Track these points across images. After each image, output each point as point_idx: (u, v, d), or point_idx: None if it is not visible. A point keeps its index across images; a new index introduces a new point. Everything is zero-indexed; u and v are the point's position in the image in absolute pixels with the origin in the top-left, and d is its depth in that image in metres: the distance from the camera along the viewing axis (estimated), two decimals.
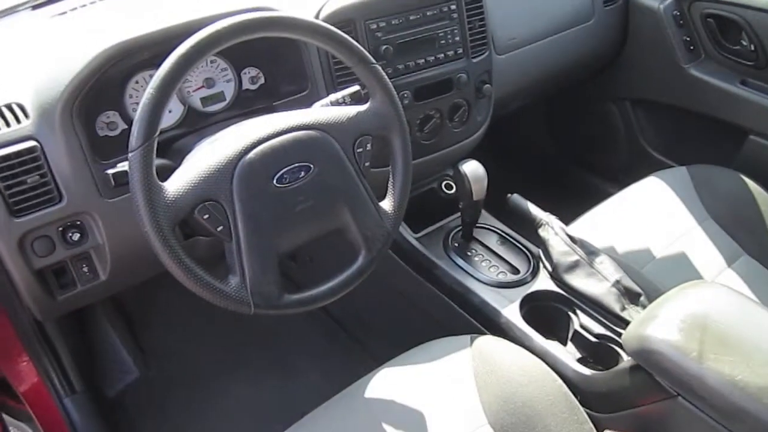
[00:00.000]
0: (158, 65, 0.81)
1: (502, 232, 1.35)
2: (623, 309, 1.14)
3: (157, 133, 0.79)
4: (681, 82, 1.64)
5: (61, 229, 0.96)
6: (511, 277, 1.24)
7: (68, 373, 1.39)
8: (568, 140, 2.09)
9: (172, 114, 1.09)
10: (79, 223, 0.98)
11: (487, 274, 1.25)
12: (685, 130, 1.74)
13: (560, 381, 1.02)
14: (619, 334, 1.09)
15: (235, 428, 1.51)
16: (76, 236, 0.97)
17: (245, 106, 1.15)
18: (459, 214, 1.30)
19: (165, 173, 0.83)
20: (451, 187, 1.48)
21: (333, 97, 1.03)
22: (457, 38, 1.32)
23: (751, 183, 1.40)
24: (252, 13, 0.85)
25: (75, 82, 0.92)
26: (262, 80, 1.17)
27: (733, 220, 1.36)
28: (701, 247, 1.31)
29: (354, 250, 0.97)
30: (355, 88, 1.04)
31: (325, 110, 0.95)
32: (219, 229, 0.84)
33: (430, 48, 1.29)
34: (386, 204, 0.99)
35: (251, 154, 0.85)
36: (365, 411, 0.98)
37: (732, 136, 1.60)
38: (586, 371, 1.06)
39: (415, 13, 1.26)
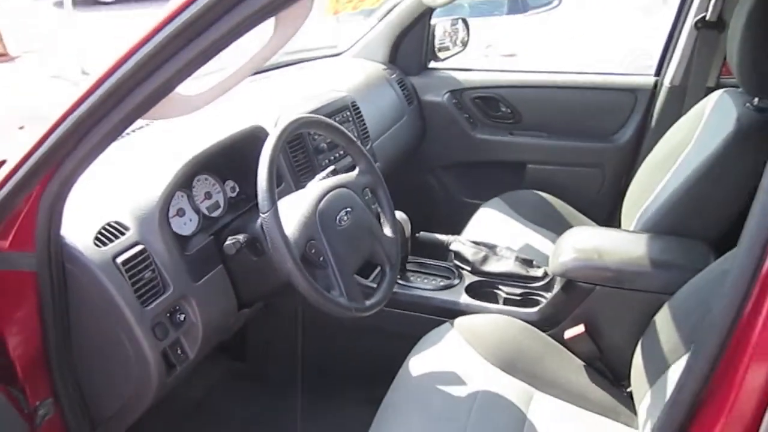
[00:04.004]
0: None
1: (419, 260, 1.84)
2: (527, 271, 1.71)
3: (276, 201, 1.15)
4: (471, 144, 2.39)
5: (169, 315, 1.19)
6: (447, 282, 1.73)
7: None
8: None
9: (192, 222, 1.39)
10: (178, 308, 1.22)
11: (432, 285, 1.72)
12: (483, 175, 2.47)
13: (521, 321, 1.52)
14: (532, 288, 1.66)
15: None
16: (182, 317, 1.21)
17: (236, 209, 1.49)
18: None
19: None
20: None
21: (324, 174, 1.45)
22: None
23: (539, 192, 2.16)
24: (301, 116, 1.27)
25: (165, 194, 1.21)
26: (237, 189, 1.53)
27: (542, 215, 2.07)
28: (535, 231, 1.99)
29: (382, 267, 1.38)
30: (331, 168, 1.48)
31: (339, 177, 1.38)
32: (320, 259, 1.20)
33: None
34: (387, 231, 1.43)
35: (321, 206, 1.24)
36: (421, 391, 1.35)
37: (515, 169, 2.37)
38: (533, 309, 1.58)
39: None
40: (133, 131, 1.49)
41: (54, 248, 1.07)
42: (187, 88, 0.97)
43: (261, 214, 1.14)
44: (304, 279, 1.14)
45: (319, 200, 1.26)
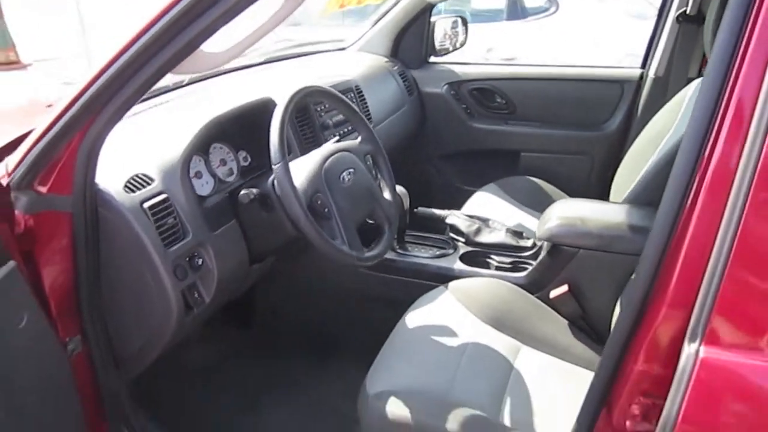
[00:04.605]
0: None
1: (416, 233, 1.97)
2: (517, 242, 1.83)
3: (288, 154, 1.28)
4: (468, 133, 2.53)
5: (188, 259, 1.32)
6: (443, 252, 1.86)
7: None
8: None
9: (208, 184, 1.52)
10: (196, 253, 1.34)
11: (428, 254, 1.85)
12: (479, 163, 2.60)
13: (511, 284, 1.64)
14: (521, 257, 1.78)
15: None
16: (200, 261, 1.33)
17: (248, 176, 1.62)
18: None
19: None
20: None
21: (333, 140, 1.59)
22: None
23: (532, 178, 2.29)
24: (310, 85, 1.41)
25: (185, 152, 1.35)
26: (249, 159, 1.66)
27: (534, 199, 2.20)
28: (527, 213, 2.11)
29: (381, 227, 1.51)
30: (336, 138, 1.62)
31: (343, 142, 1.51)
32: (326, 210, 1.33)
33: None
34: (386, 194, 1.56)
35: (326, 164, 1.37)
36: (412, 342, 1.47)
37: (510, 157, 2.50)
38: (521, 274, 1.71)
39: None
40: (157, 97, 1.64)
41: (89, 192, 1.20)
42: (210, 46, 1.10)
43: (273, 166, 1.27)
44: (311, 224, 1.27)
45: (325, 160, 1.39)
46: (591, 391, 0.94)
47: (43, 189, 1.20)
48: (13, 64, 7.44)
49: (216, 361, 1.96)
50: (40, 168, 1.17)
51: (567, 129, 2.44)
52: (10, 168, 1.18)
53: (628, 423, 0.87)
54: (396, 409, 1.28)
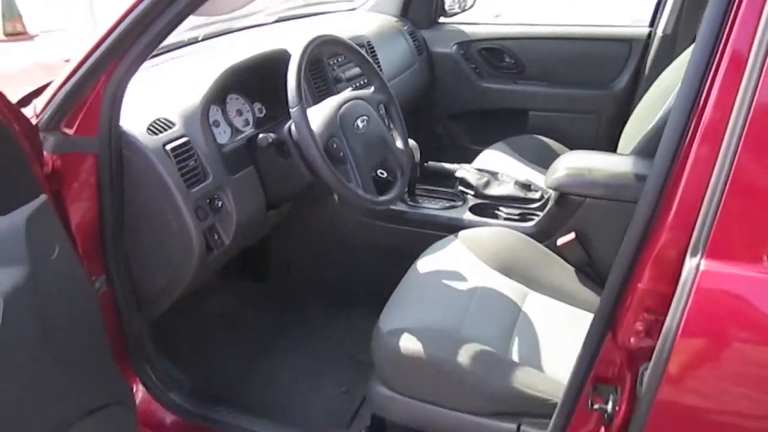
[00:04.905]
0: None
1: (427, 187, 2.01)
2: (525, 194, 1.88)
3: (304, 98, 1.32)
4: (477, 93, 2.56)
5: (208, 201, 1.37)
6: (452, 204, 1.90)
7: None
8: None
9: (226, 133, 1.56)
10: (216, 196, 1.39)
11: (438, 206, 1.89)
12: (487, 122, 2.63)
13: (519, 233, 1.69)
14: (529, 208, 1.83)
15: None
16: (220, 203, 1.38)
17: (263, 126, 1.66)
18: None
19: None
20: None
21: (348, 89, 1.62)
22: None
23: (540, 137, 2.33)
24: (325, 34, 1.44)
25: (204, 99, 1.39)
26: (264, 110, 1.70)
27: (542, 156, 2.23)
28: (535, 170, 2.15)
29: (393, 174, 1.55)
30: (349, 89, 1.66)
31: (357, 91, 1.55)
32: (341, 154, 1.37)
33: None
34: (399, 143, 1.60)
35: (341, 110, 1.41)
36: (422, 287, 1.52)
37: (518, 117, 2.53)
38: (530, 223, 1.75)
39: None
40: (173, 51, 1.68)
41: (113, 134, 1.25)
42: None
43: (290, 109, 1.31)
44: (327, 167, 1.31)
45: (340, 106, 1.43)
46: (597, 314, 0.99)
47: (70, 131, 1.24)
48: (20, 34, 7.44)
49: (232, 309, 2.03)
50: (67, 110, 1.22)
51: (575, 88, 2.47)
52: (38, 109, 1.22)
53: (632, 340, 0.92)
54: (409, 344, 1.33)
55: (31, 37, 7.56)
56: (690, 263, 0.82)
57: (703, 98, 0.85)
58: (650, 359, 0.89)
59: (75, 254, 1.18)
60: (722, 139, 0.82)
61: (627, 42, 2.37)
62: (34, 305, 1.00)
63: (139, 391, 1.51)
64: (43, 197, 1.07)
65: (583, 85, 2.45)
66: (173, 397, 1.50)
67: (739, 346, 0.84)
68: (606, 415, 1.01)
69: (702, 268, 0.81)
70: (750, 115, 0.80)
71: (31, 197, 1.05)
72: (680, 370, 0.85)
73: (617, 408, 0.99)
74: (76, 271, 1.17)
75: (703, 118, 0.85)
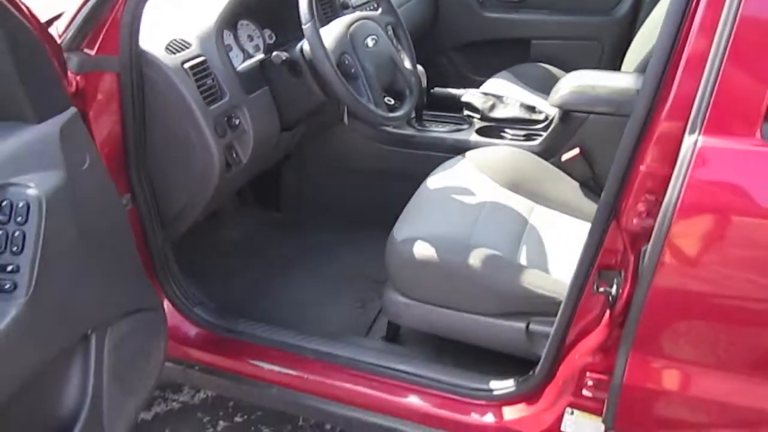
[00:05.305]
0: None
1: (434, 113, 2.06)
2: (530, 115, 1.93)
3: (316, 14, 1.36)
4: (479, 23, 2.58)
5: (226, 118, 1.42)
6: (459, 127, 1.95)
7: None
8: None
9: (239, 57, 1.60)
10: (233, 114, 1.44)
11: (447, 129, 1.94)
12: (491, 53, 2.66)
13: (525, 150, 1.74)
14: (534, 130, 1.88)
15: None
16: (237, 121, 1.44)
17: (271, 51, 1.70)
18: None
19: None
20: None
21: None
22: None
23: (543, 65, 2.36)
24: None
25: (219, 21, 1.44)
26: (274, 36, 1.73)
27: (545, 84, 2.26)
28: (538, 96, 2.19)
29: (402, 93, 1.59)
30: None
31: (365, 12, 1.58)
32: (352, 71, 1.41)
33: None
34: (407, 63, 1.64)
35: (351, 29, 1.45)
36: (434, 200, 1.58)
37: (521, 46, 2.56)
38: (535, 142, 1.81)
39: None
40: None
41: (134, 53, 1.29)
42: None
43: (303, 26, 1.35)
44: (340, 82, 1.36)
45: (350, 25, 1.46)
46: (602, 201, 1.05)
47: (91, 51, 1.29)
48: None
49: (248, 236, 2.10)
50: (88, 30, 1.25)
51: (577, 15, 2.48)
52: (60, 30, 1.26)
53: (635, 221, 0.98)
54: (421, 250, 1.41)
55: None
56: (688, 140, 0.88)
57: None
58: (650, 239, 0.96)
59: (104, 167, 1.24)
60: (716, 29, 0.87)
61: None
62: (71, 210, 1.06)
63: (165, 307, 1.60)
64: (73, 109, 1.12)
65: (585, 12, 2.47)
66: (198, 312, 1.58)
67: (734, 217, 0.90)
68: (610, 298, 1.08)
69: (699, 144, 0.87)
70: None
71: (63, 109, 1.10)
72: (679, 241, 0.92)
73: (621, 291, 1.07)
74: (106, 183, 1.22)
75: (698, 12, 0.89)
